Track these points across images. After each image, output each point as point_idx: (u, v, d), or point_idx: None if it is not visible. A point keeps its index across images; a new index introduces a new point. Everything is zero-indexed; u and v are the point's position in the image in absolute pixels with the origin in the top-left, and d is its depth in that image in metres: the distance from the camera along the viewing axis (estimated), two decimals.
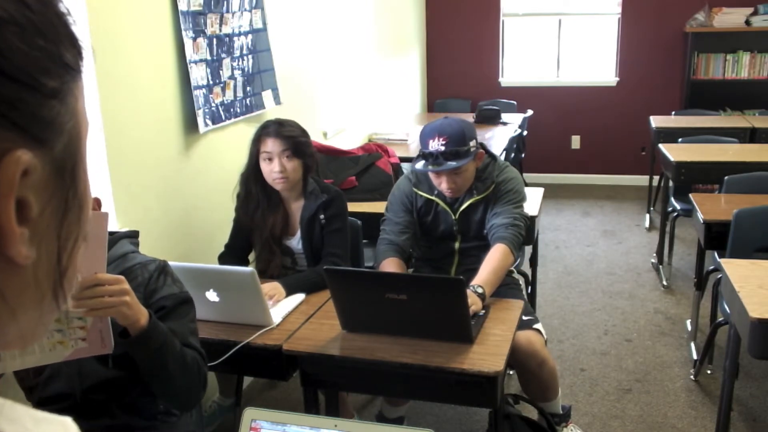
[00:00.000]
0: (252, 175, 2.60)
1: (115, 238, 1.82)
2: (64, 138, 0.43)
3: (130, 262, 1.79)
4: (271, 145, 2.52)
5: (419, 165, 2.55)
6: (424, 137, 2.55)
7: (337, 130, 4.45)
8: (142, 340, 1.57)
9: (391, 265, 2.58)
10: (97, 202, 1.80)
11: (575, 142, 6.87)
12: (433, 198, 2.67)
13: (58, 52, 0.41)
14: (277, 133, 2.52)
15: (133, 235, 1.92)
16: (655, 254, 4.73)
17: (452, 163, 2.48)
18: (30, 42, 0.39)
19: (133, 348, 1.60)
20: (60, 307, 0.46)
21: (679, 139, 4.69)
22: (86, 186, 0.47)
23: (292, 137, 2.53)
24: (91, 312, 1.43)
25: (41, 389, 1.80)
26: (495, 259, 2.47)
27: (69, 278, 0.46)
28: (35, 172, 0.40)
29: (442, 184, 2.58)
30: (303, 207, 2.64)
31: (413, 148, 4.49)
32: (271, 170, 2.53)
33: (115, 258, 1.78)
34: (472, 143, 2.53)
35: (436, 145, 2.49)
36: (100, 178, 2.36)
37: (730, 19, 6.04)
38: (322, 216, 2.61)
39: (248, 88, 3.20)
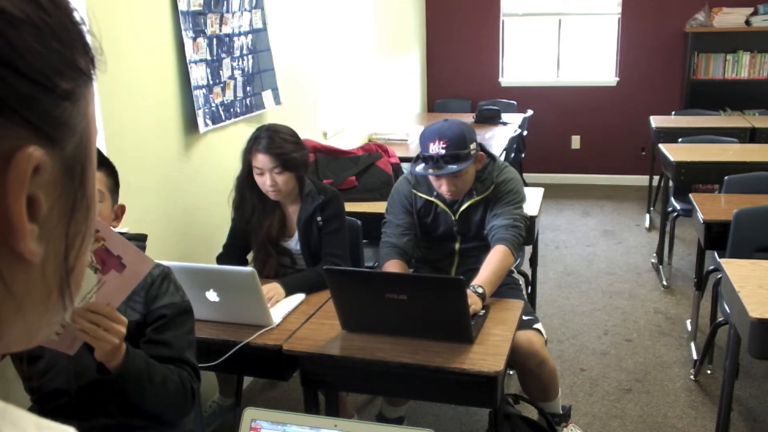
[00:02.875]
0: (246, 181, 2.60)
1: None
2: (75, 139, 0.44)
3: None
4: (261, 161, 2.50)
5: (419, 168, 2.55)
6: (424, 140, 2.54)
7: (337, 130, 4.45)
8: (118, 376, 1.61)
9: (393, 267, 2.57)
10: (122, 209, 1.81)
11: (575, 142, 6.87)
12: (432, 199, 2.67)
13: (71, 56, 0.42)
14: (266, 149, 2.48)
15: (141, 238, 1.92)
16: (655, 254, 4.73)
17: (452, 167, 2.47)
18: (45, 44, 0.40)
19: (111, 381, 1.63)
20: (66, 306, 0.46)
21: (679, 139, 4.69)
22: (94, 189, 0.48)
23: (281, 154, 2.49)
24: (79, 331, 1.48)
25: (38, 384, 1.80)
26: (495, 260, 2.47)
27: (76, 277, 0.47)
28: (46, 170, 0.41)
29: (442, 187, 2.57)
30: (300, 209, 2.63)
31: (413, 148, 4.49)
32: (263, 183, 2.53)
33: None
34: (473, 146, 2.53)
35: (436, 148, 2.48)
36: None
37: (730, 19, 6.04)
38: (319, 218, 2.61)
39: (248, 88, 3.20)
